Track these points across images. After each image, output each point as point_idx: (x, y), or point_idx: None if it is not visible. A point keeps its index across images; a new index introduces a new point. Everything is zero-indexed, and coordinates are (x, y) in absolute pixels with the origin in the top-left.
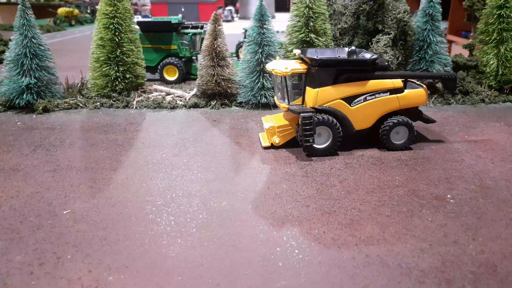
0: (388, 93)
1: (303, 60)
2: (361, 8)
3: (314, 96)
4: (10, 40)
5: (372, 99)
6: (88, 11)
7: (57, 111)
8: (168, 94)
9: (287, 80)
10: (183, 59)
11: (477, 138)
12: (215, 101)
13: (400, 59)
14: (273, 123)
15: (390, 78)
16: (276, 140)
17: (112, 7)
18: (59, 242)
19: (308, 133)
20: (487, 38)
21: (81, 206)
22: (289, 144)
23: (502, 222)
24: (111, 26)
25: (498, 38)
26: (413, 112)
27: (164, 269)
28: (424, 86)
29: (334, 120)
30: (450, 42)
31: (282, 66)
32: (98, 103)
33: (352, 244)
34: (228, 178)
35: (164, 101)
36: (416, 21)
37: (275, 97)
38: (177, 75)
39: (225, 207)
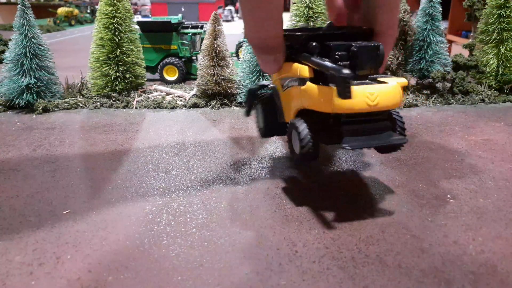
0: (296, 82)
1: None
2: None
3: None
4: (10, 40)
5: (287, 87)
6: (88, 11)
7: (57, 111)
8: (168, 94)
9: None
10: (183, 59)
11: (477, 138)
12: (215, 101)
13: (400, 59)
14: None
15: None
16: None
17: (112, 7)
18: (59, 242)
19: (247, 103)
20: (487, 38)
21: (81, 206)
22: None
23: (502, 222)
24: (111, 26)
25: (498, 38)
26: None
27: (164, 269)
28: (397, 83)
29: (269, 100)
30: (450, 42)
31: None
32: (98, 103)
33: (352, 244)
34: (228, 178)
35: (164, 101)
36: (416, 21)
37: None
38: (177, 75)
39: (225, 207)
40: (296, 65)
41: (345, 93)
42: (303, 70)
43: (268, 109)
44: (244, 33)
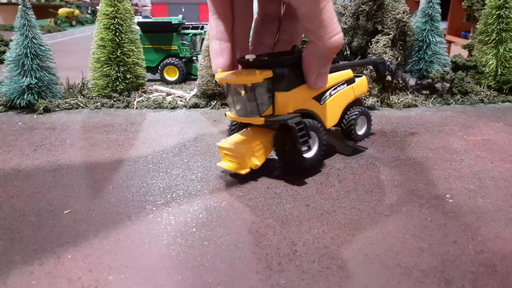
0: (346, 84)
1: (256, 66)
2: (361, 9)
3: (290, 99)
4: (11, 40)
5: (335, 93)
6: (89, 11)
7: (58, 111)
8: (168, 94)
9: (258, 88)
10: (184, 60)
11: (476, 138)
12: (215, 101)
13: (399, 59)
14: (241, 144)
15: (336, 70)
16: (256, 162)
17: (113, 7)
18: (60, 241)
19: (304, 139)
20: (486, 39)
21: (82, 206)
22: None
23: (501, 222)
24: (111, 27)
25: (497, 38)
26: (358, 102)
27: (164, 268)
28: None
29: (317, 123)
30: (449, 42)
31: (243, 74)
32: (99, 103)
33: (352, 244)
34: (228, 177)
35: (165, 101)
36: (415, 22)
37: (230, 113)
38: (177, 76)
39: (225, 207)
40: (341, 73)
41: (386, 70)
42: (350, 72)
43: (321, 132)
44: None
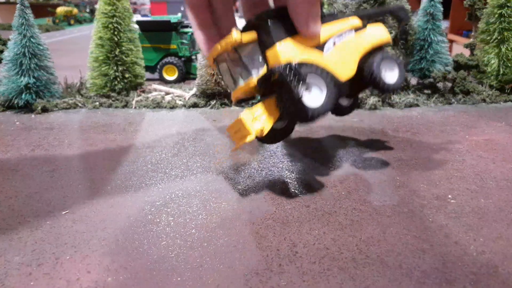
0: (353, 31)
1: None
2: (362, 7)
3: (282, 51)
4: (9, 39)
5: (341, 41)
6: (87, 10)
7: (56, 111)
8: (167, 93)
9: (244, 52)
10: (183, 59)
11: (478, 138)
12: (214, 101)
13: (401, 58)
14: (241, 113)
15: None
16: (260, 126)
17: (111, 6)
18: (58, 242)
19: (296, 83)
20: (488, 38)
21: (80, 206)
22: (288, 143)
23: (503, 223)
24: (110, 26)
25: (499, 37)
26: (379, 50)
27: (163, 270)
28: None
29: (317, 66)
30: (451, 41)
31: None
32: (97, 103)
33: (353, 245)
34: (228, 178)
35: (164, 101)
36: (417, 20)
37: (232, 92)
38: (176, 75)
39: (225, 208)
40: (343, 20)
41: (408, 17)
42: (357, 20)
43: (327, 77)
44: None
